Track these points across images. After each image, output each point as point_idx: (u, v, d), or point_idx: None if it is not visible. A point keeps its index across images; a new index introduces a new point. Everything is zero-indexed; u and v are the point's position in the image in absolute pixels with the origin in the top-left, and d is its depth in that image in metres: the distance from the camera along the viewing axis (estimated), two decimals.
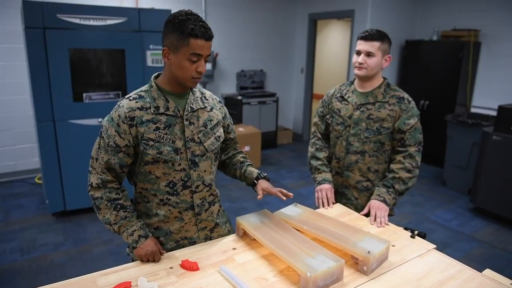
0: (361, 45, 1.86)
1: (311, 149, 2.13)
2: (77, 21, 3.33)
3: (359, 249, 1.35)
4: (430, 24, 5.62)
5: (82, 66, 3.51)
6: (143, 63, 3.72)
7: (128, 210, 1.42)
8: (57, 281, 1.24)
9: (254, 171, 1.65)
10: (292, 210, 1.71)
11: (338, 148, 2.02)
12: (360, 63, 1.86)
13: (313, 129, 2.19)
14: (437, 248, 1.55)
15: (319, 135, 2.14)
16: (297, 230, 1.51)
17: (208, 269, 1.34)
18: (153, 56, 3.76)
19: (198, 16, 1.31)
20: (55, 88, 3.33)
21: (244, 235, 1.56)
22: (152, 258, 1.38)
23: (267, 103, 6.02)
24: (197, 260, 1.37)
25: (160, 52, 3.75)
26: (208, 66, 5.55)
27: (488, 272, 1.38)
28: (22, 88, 4.41)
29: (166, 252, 1.46)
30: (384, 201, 1.83)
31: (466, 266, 1.41)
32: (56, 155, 3.46)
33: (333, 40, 8.31)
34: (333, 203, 1.94)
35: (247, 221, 1.54)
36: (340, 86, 2.09)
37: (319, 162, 2.06)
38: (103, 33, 3.47)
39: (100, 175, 1.39)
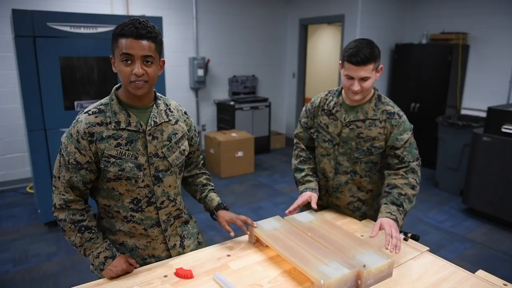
0: (353, 71, 1.60)
1: (294, 161, 1.98)
2: (67, 29, 3.31)
3: (355, 262, 1.31)
4: (419, 28, 5.69)
5: (73, 74, 3.49)
6: None
7: (93, 231, 1.35)
8: None
9: (215, 199, 1.62)
10: (305, 217, 1.71)
11: (327, 167, 1.88)
12: (356, 91, 1.64)
13: (295, 140, 2.03)
14: (430, 250, 1.57)
15: (303, 146, 1.98)
16: None
17: (202, 276, 1.33)
18: None
19: (138, 19, 1.25)
20: (46, 96, 3.30)
21: (256, 242, 1.57)
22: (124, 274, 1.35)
23: (260, 108, 6.04)
24: (192, 268, 1.37)
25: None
26: (200, 72, 5.57)
27: (480, 273, 1.40)
28: (13, 97, 4.37)
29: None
30: (396, 221, 1.58)
31: (459, 268, 1.43)
32: (47, 164, 3.43)
33: (324, 44, 8.38)
34: (316, 210, 1.79)
35: (260, 228, 1.56)
36: (326, 95, 1.89)
37: (303, 174, 1.91)
38: (94, 41, 3.46)
39: (63, 195, 1.32)
